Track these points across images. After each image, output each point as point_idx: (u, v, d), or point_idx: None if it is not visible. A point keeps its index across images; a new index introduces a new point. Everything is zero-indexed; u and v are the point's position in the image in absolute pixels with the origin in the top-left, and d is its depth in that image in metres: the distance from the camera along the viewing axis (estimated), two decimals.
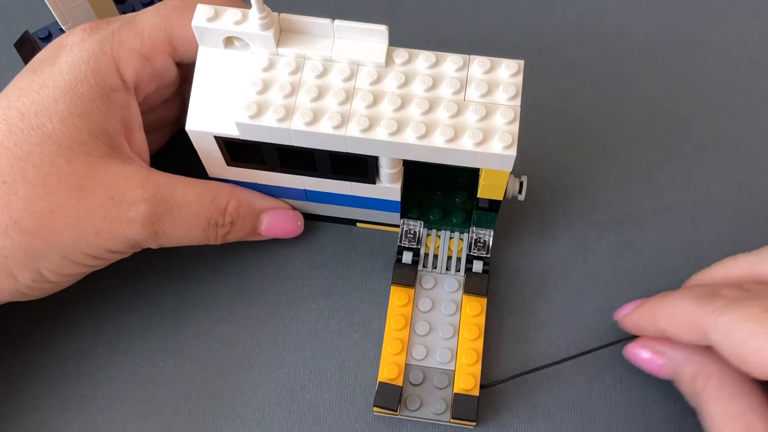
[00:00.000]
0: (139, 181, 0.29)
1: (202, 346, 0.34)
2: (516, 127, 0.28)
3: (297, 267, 0.35)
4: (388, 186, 0.32)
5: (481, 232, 0.34)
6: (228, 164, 0.32)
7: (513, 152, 0.27)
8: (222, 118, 0.30)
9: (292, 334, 0.34)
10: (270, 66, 0.29)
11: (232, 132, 0.29)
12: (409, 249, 0.34)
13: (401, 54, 0.29)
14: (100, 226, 0.29)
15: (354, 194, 0.33)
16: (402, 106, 0.28)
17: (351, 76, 0.29)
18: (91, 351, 0.34)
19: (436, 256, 0.35)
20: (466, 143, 0.28)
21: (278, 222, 0.34)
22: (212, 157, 0.32)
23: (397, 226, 0.35)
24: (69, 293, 0.32)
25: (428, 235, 0.35)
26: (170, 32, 0.30)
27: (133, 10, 0.38)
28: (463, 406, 0.31)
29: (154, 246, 0.31)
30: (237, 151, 0.31)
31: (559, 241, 0.36)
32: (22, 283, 0.29)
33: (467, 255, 0.34)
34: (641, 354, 0.31)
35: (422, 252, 0.34)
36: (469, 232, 0.34)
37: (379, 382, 0.32)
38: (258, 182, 0.33)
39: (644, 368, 0.31)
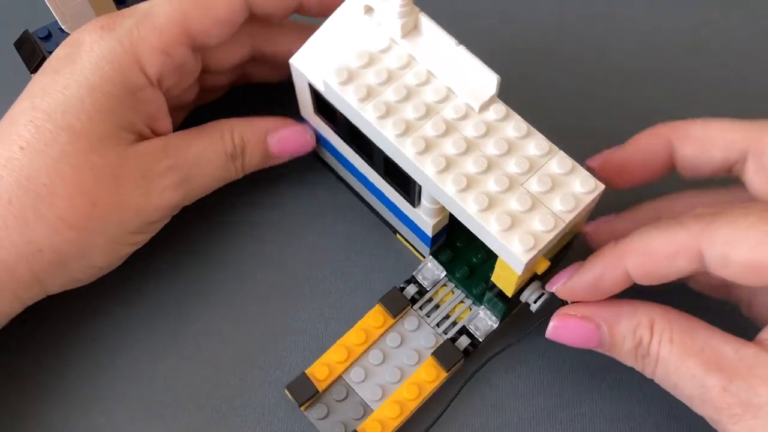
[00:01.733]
0: (161, 151, 0.31)
1: (202, 345, 0.34)
2: (548, 237, 0.26)
3: (297, 267, 0.35)
4: (424, 218, 0.31)
5: (487, 313, 0.33)
6: (315, 112, 0.33)
7: (526, 258, 0.26)
8: (321, 69, 0.30)
9: (291, 334, 0.34)
10: (385, 49, 0.29)
11: (321, 86, 0.30)
12: (417, 284, 0.34)
13: (499, 109, 0.28)
14: (139, 204, 0.31)
15: (396, 204, 0.33)
16: (464, 152, 0.27)
17: (442, 100, 0.28)
18: (92, 350, 0.34)
19: (437, 307, 0.33)
20: (492, 223, 0.26)
21: (287, 138, 0.34)
22: (304, 98, 0.33)
23: (425, 256, 0.34)
24: (69, 295, 0.32)
25: (444, 284, 0.34)
26: (187, 25, 0.30)
27: None
28: None
29: (190, 202, 0.33)
30: (322, 104, 0.32)
31: None
32: (75, 270, 0.31)
33: (463, 326, 0.33)
34: (567, 325, 0.27)
35: (427, 296, 0.33)
36: (479, 306, 0.33)
37: (305, 372, 0.32)
38: (331, 142, 0.34)
39: (573, 342, 0.27)
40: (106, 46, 0.30)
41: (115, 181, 0.30)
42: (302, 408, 0.31)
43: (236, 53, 0.34)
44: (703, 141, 0.28)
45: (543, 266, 0.28)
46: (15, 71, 0.34)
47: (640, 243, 0.25)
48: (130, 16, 0.31)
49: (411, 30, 0.29)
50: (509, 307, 0.31)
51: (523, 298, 0.30)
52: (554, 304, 0.29)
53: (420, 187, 0.29)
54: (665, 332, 0.25)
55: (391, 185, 0.32)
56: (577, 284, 0.27)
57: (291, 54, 0.31)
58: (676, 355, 0.25)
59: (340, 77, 0.29)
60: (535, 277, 0.30)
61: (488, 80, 0.28)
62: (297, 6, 0.33)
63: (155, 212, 0.31)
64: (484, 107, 0.28)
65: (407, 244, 0.35)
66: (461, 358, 0.32)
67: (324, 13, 0.32)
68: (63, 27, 0.37)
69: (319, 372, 0.32)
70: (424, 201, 0.30)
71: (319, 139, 0.35)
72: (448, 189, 0.27)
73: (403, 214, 0.33)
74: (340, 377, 0.32)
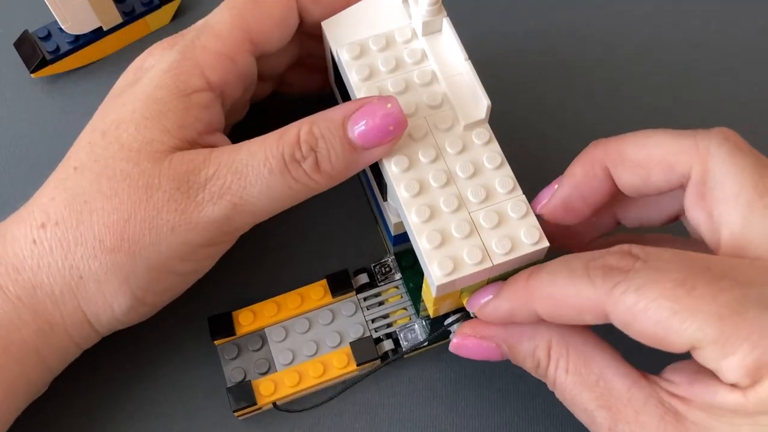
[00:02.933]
0: (202, 161, 0.27)
1: None
2: (469, 270, 0.25)
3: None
4: (390, 215, 0.31)
5: (423, 328, 0.32)
6: (332, 81, 0.34)
7: (438, 281, 0.25)
8: (341, 40, 0.31)
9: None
10: (404, 40, 0.30)
11: (336, 56, 0.31)
12: (371, 276, 0.34)
13: (483, 134, 0.28)
14: (174, 221, 0.27)
15: (375, 194, 0.33)
16: (430, 162, 0.27)
17: (434, 106, 0.28)
18: None
19: (380, 303, 0.33)
20: (423, 238, 0.26)
21: (370, 119, 0.26)
22: (329, 64, 0.34)
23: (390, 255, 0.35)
24: None
25: (396, 286, 0.34)
26: (248, 29, 0.29)
27: (133, 10, 0.40)
28: (240, 393, 0.31)
29: (243, 223, 0.28)
30: (337, 75, 0.32)
31: None
32: (119, 312, 0.28)
33: (394, 331, 0.33)
34: (466, 344, 0.27)
35: (375, 290, 0.34)
36: (417, 319, 0.33)
37: (231, 312, 0.33)
38: None
39: (476, 357, 0.28)
40: (168, 60, 0.29)
41: (147, 192, 0.27)
42: (216, 342, 0.32)
43: (288, 55, 0.33)
44: (639, 163, 0.26)
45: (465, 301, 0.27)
46: (15, 71, 0.35)
47: (549, 289, 0.24)
48: (190, 30, 0.30)
49: (434, 31, 0.29)
50: (437, 329, 0.31)
51: (447, 325, 0.30)
52: None
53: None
54: (561, 359, 0.25)
55: (372, 173, 0.32)
56: (492, 314, 0.27)
57: None
58: (571, 385, 0.25)
59: (352, 53, 0.29)
60: (464, 313, 0.29)
61: (480, 104, 0.27)
62: (344, 6, 0.31)
63: (194, 232, 0.27)
64: (470, 127, 0.28)
65: (382, 236, 0.36)
66: (376, 358, 0.32)
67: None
68: (63, 27, 0.37)
69: (244, 317, 0.33)
70: (389, 198, 0.30)
71: None
72: (400, 192, 0.27)
73: (378, 205, 0.33)
74: (261, 329, 0.33)
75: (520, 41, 0.41)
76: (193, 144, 0.28)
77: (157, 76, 0.29)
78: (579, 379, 0.24)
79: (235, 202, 0.27)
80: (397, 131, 0.26)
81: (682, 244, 0.28)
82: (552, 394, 0.30)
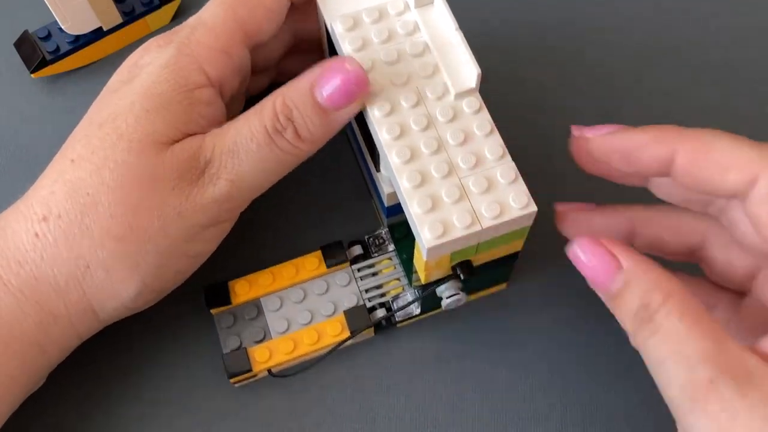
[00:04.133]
0: (198, 146, 0.28)
1: None
2: (459, 233, 0.26)
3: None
4: (383, 185, 0.32)
5: (409, 291, 0.33)
6: (327, 56, 0.34)
7: (429, 244, 0.26)
8: (334, 12, 0.31)
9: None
10: (397, 12, 0.30)
11: (330, 29, 0.31)
12: (365, 248, 0.34)
13: (473, 103, 0.28)
14: (180, 206, 0.28)
15: (368, 165, 0.33)
16: (421, 129, 0.28)
17: (425, 75, 0.29)
18: None
19: (374, 275, 0.34)
20: (414, 203, 0.26)
21: (333, 81, 0.27)
22: (324, 38, 0.34)
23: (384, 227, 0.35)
24: None
25: (390, 258, 0.34)
26: (241, 21, 0.30)
27: (133, 10, 0.40)
28: (235, 360, 0.32)
29: (242, 199, 0.29)
30: (331, 48, 0.33)
31: None
32: (127, 299, 0.29)
33: (387, 301, 0.33)
34: (596, 252, 0.25)
35: (369, 262, 0.34)
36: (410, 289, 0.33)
37: (227, 282, 0.33)
38: None
39: (586, 269, 0.25)
40: (165, 56, 0.29)
41: (152, 182, 0.28)
42: (212, 311, 0.33)
43: (281, 43, 0.34)
44: (715, 161, 0.25)
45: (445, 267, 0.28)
46: (15, 71, 0.35)
47: (703, 140, 0.25)
48: (183, 27, 0.30)
49: (427, 3, 0.30)
50: (430, 298, 0.31)
51: (439, 291, 0.30)
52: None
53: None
54: (675, 306, 0.24)
55: (366, 144, 0.32)
56: (616, 140, 0.27)
57: None
58: (680, 333, 0.23)
59: (345, 25, 0.30)
60: (455, 278, 0.30)
61: (470, 73, 0.28)
62: None
63: (200, 213, 0.28)
64: (461, 96, 0.28)
65: (376, 209, 0.36)
66: (370, 326, 0.32)
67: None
68: (63, 27, 0.37)
69: (240, 287, 0.33)
70: (382, 168, 0.31)
71: None
72: (392, 158, 0.27)
73: (372, 177, 0.34)
74: (257, 299, 0.33)
75: (514, 31, 0.41)
76: (194, 136, 0.29)
77: (155, 71, 0.29)
78: (689, 329, 0.23)
79: (232, 179, 0.28)
80: (360, 89, 0.28)
81: None
82: (552, 394, 0.32)
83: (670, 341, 0.23)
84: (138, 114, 0.28)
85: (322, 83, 0.28)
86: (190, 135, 0.29)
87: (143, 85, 0.28)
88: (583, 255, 0.25)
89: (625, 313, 0.25)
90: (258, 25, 0.30)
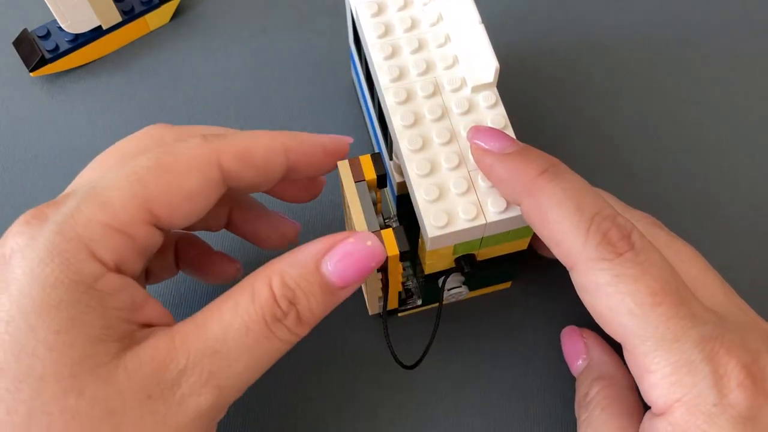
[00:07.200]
0: (166, 351, 0.22)
1: None
2: (463, 225, 0.26)
3: None
4: (394, 173, 0.32)
5: (417, 290, 0.33)
6: (351, 42, 0.34)
7: (431, 233, 0.26)
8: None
9: None
10: (423, 2, 0.30)
11: (355, 14, 0.31)
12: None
13: (489, 97, 0.28)
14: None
15: (382, 150, 0.33)
16: (435, 119, 0.28)
17: (445, 66, 0.29)
18: None
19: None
20: (421, 191, 0.27)
21: (348, 258, 0.24)
22: (349, 24, 0.34)
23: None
24: None
25: None
26: (148, 199, 0.23)
27: (132, 9, 0.39)
28: None
29: (231, 401, 0.24)
30: (356, 34, 0.33)
31: None
32: None
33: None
34: (577, 343, 0.31)
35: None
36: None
37: None
38: (360, 78, 0.35)
39: (568, 354, 0.32)
40: (41, 245, 0.22)
41: (110, 418, 0.21)
42: None
43: (224, 211, 0.30)
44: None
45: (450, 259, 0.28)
46: (14, 70, 0.35)
47: (548, 201, 0.25)
48: (70, 197, 0.23)
49: None
50: (432, 290, 0.31)
51: (440, 282, 0.30)
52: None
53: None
54: (605, 399, 0.28)
55: (381, 130, 0.33)
56: (488, 164, 0.26)
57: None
58: (602, 422, 0.28)
59: (371, 10, 0.30)
60: (457, 270, 0.30)
61: (489, 67, 0.28)
62: (284, 173, 0.26)
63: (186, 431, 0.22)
64: (478, 89, 0.28)
65: (389, 200, 0.36)
66: (404, 238, 0.26)
67: (311, 188, 0.29)
68: (62, 26, 0.37)
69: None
70: (395, 156, 0.31)
71: (356, 73, 0.36)
72: (403, 146, 0.27)
73: (385, 167, 0.34)
74: None
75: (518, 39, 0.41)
76: (130, 335, 0.23)
77: (34, 271, 0.21)
78: (607, 419, 0.28)
79: (222, 385, 0.23)
80: (377, 266, 0.24)
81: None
82: (552, 394, 0.32)
83: (590, 425, 0.28)
84: (49, 343, 0.21)
85: (337, 264, 0.24)
86: (123, 337, 0.22)
87: (30, 296, 0.21)
88: (573, 341, 0.32)
89: (577, 389, 0.30)
90: (171, 209, 0.24)
